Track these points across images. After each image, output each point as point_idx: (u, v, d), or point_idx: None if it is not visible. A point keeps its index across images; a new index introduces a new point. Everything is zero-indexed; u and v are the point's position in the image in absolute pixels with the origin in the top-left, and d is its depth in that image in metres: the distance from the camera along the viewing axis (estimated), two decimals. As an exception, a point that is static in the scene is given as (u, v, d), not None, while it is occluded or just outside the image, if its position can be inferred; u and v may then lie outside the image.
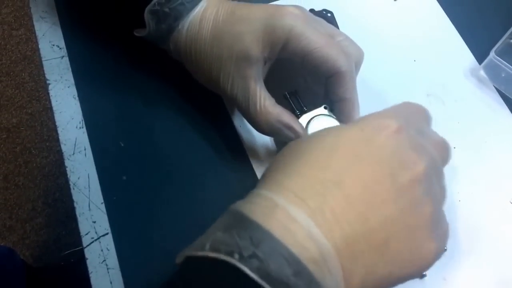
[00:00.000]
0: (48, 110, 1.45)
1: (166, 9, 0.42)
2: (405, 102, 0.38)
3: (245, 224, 0.29)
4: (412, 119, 0.36)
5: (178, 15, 0.43)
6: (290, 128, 0.42)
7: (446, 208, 0.45)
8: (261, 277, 0.26)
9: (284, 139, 0.43)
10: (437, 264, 0.43)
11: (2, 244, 1.27)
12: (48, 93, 0.49)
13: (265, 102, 0.41)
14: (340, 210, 0.30)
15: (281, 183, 0.31)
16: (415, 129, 0.35)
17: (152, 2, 0.42)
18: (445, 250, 0.43)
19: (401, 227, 0.31)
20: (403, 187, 0.32)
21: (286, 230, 0.28)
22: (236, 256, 0.27)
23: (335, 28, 0.44)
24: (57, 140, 0.47)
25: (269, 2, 0.54)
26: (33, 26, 0.52)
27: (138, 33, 0.45)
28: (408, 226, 0.32)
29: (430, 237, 0.33)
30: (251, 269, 0.26)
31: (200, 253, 0.28)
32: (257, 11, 0.41)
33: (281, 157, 0.35)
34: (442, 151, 0.36)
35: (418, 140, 0.34)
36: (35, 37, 0.52)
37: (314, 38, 0.40)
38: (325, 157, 0.32)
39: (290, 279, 0.27)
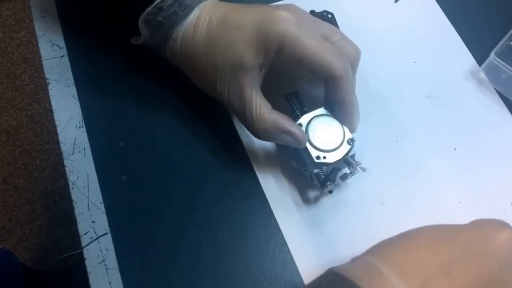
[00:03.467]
0: (48, 112, 1.45)
1: (160, 18, 0.42)
2: None
3: None
4: None
5: (172, 24, 0.43)
6: (288, 133, 0.41)
7: (446, 209, 0.45)
8: None
9: (284, 143, 0.43)
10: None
11: (0, 246, 1.26)
12: (47, 93, 0.49)
13: (261, 110, 0.41)
14: None
15: (389, 256, 0.32)
16: None
17: (145, 12, 0.42)
18: None
19: None
20: None
21: None
22: None
23: (330, 27, 0.43)
24: (57, 142, 0.47)
25: (270, 2, 0.54)
26: (33, 26, 0.52)
27: (135, 41, 0.46)
28: None
29: None
30: None
31: None
32: (249, 17, 0.41)
33: (395, 236, 0.35)
34: None
35: None
36: (36, 39, 0.52)
37: (307, 43, 0.39)
38: (440, 243, 0.32)
39: None
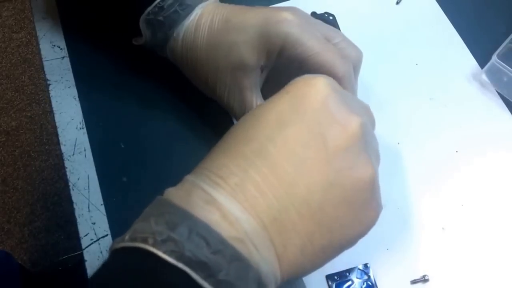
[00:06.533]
0: (47, 113, 1.45)
1: (160, 18, 0.42)
2: None
3: (164, 209, 0.29)
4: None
5: (173, 23, 0.43)
6: None
7: (448, 211, 0.45)
8: (177, 258, 0.26)
9: None
10: (440, 267, 0.42)
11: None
12: (48, 94, 0.49)
13: None
14: (265, 183, 0.29)
15: (204, 165, 0.31)
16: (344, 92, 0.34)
17: (146, 12, 0.42)
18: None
19: (338, 191, 0.30)
20: (336, 148, 0.30)
21: (204, 211, 0.28)
22: (150, 241, 0.26)
23: (333, 29, 0.43)
24: (57, 143, 0.47)
25: (271, 4, 0.54)
26: (34, 27, 0.52)
27: (136, 41, 0.46)
28: (346, 189, 0.30)
29: (370, 201, 0.31)
30: (165, 252, 0.26)
31: (121, 245, 0.28)
32: (251, 18, 0.41)
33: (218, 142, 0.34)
34: (370, 115, 0.35)
35: (349, 98, 0.33)
36: (36, 40, 0.52)
37: (309, 44, 0.39)
38: (249, 128, 0.31)
39: (209, 258, 0.26)
